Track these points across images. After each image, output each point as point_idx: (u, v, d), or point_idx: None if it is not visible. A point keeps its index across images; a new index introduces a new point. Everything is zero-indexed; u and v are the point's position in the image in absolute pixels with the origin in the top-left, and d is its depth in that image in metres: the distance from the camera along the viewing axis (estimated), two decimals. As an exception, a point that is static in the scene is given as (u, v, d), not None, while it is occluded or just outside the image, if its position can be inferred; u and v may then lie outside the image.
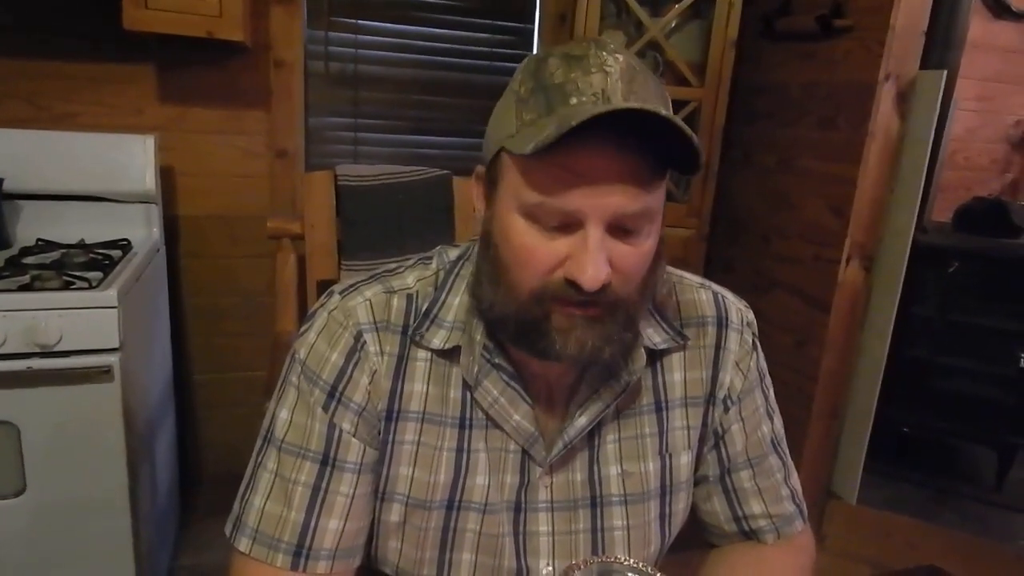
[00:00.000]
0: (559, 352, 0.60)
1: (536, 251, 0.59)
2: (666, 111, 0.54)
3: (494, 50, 2.23)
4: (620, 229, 0.58)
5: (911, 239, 1.80)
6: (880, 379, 1.91)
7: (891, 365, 1.92)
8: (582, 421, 0.69)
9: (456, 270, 0.72)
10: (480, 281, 0.66)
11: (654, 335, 0.72)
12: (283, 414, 0.68)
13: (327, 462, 0.66)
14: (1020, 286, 2.33)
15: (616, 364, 0.68)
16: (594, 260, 0.56)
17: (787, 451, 0.80)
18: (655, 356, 0.73)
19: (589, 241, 0.56)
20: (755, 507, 0.77)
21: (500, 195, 0.61)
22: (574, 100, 0.55)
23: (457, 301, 0.70)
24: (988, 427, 2.43)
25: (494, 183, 0.63)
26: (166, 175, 1.89)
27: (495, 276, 0.63)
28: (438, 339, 0.68)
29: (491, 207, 0.64)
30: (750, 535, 0.78)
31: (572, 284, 0.57)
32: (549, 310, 0.59)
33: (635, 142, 0.55)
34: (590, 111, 0.52)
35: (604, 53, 0.57)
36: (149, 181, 1.75)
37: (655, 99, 0.57)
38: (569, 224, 0.57)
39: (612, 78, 0.56)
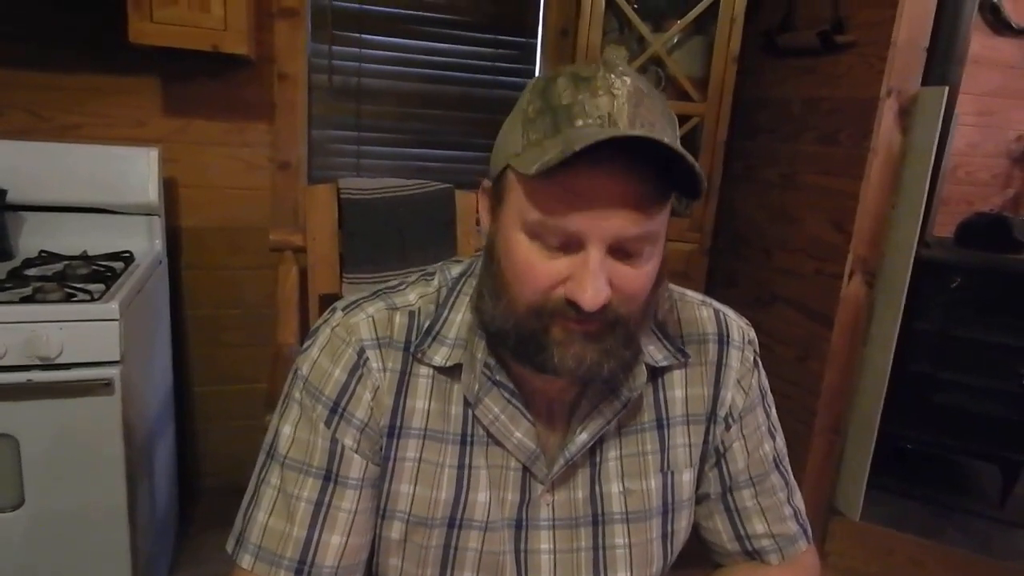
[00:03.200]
0: (557, 366, 0.60)
1: (537, 268, 0.59)
2: (671, 137, 0.54)
3: (497, 64, 2.24)
4: (621, 251, 0.58)
5: (913, 254, 1.80)
6: (883, 394, 1.90)
7: (894, 380, 1.91)
8: (583, 437, 0.69)
9: (458, 287, 0.72)
10: (482, 295, 0.66)
11: (655, 352, 0.72)
12: (286, 430, 0.68)
13: (330, 478, 0.66)
14: (1023, 301, 2.32)
15: (616, 380, 0.68)
16: (594, 282, 0.56)
17: (789, 470, 0.79)
18: (656, 373, 0.73)
19: (590, 262, 0.56)
20: (758, 526, 0.76)
21: (505, 211, 0.62)
22: (579, 122, 0.55)
23: (459, 318, 0.70)
24: (991, 443, 2.41)
25: (500, 198, 0.63)
26: (169, 187, 1.90)
27: (497, 290, 0.63)
28: (440, 356, 0.68)
29: (496, 222, 0.64)
30: (753, 555, 0.77)
31: (571, 304, 0.58)
32: (548, 324, 0.60)
33: (639, 166, 0.55)
34: (595, 136, 0.51)
35: (612, 76, 0.57)
36: (152, 193, 1.75)
37: (662, 123, 0.57)
38: (571, 244, 0.57)
39: (619, 101, 0.55)
